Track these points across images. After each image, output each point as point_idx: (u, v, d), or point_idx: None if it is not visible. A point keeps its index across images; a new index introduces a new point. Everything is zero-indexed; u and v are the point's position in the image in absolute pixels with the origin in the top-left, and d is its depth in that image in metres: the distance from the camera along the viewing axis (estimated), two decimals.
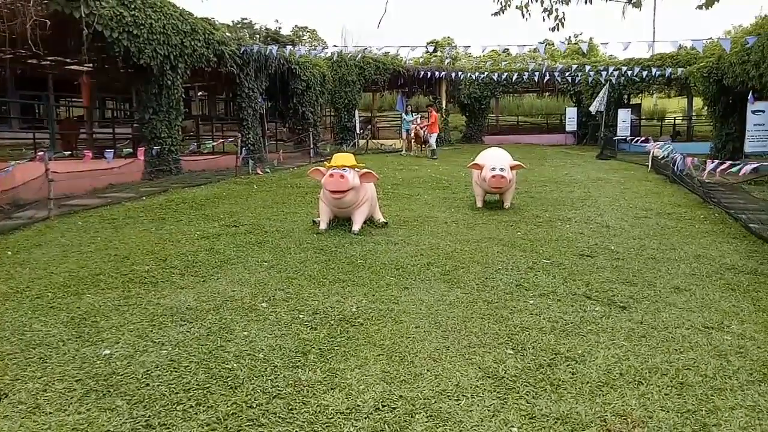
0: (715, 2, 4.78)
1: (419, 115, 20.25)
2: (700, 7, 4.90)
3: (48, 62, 14.75)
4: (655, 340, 3.48)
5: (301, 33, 52.73)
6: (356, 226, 6.40)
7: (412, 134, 18.43)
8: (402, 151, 18.81)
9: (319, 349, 3.34)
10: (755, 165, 7.30)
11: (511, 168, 7.83)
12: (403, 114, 19.42)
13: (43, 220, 7.16)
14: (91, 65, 14.61)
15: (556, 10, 5.46)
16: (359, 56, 21.05)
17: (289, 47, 18.99)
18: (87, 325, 3.72)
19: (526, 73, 23.17)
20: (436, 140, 17.92)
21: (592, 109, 19.81)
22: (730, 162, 7.82)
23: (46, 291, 4.39)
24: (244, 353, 3.28)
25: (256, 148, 15.23)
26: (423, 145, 18.47)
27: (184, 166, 12.62)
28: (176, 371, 3.07)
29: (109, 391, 2.86)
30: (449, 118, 26.35)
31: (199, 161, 13.14)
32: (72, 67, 15.44)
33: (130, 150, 10.89)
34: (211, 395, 2.82)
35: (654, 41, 18.35)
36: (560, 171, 13.52)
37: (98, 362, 3.18)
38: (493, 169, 7.65)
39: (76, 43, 10.13)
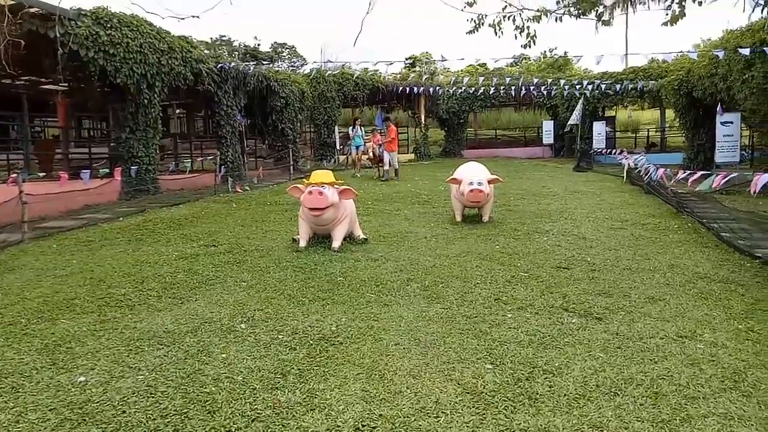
0: (680, 19, 4.95)
1: (381, 128, 17.25)
2: (665, 23, 5.07)
3: (23, 82, 14.57)
4: (631, 351, 3.54)
5: (280, 49, 52.92)
6: (336, 243, 6.40)
7: (369, 152, 15.84)
8: (357, 173, 16.38)
9: (299, 369, 3.33)
10: (725, 176, 7.48)
11: (489, 182, 7.91)
12: (350, 130, 17.27)
13: (17, 244, 7.03)
14: (66, 85, 14.48)
15: (528, 27, 5.60)
16: (338, 73, 21.19)
17: (267, 64, 19.07)
18: (61, 351, 3.66)
19: (503, 88, 23.52)
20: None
21: (570, 123, 20.15)
22: (701, 173, 8.02)
23: (20, 317, 4.31)
24: (223, 376, 3.25)
25: (235, 165, 15.17)
26: (379, 165, 15.52)
27: (163, 185, 12.51)
28: (153, 397, 3.03)
29: (84, 420, 2.81)
30: (428, 132, 26.56)
31: (177, 180, 13.05)
32: (47, 86, 15.27)
33: (107, 170, 10.77)
34: (188, 420, 2.79)
35: (627, 54, 18.86)
36: (538, 183, 13.70)
37: (73, 390, 3.12)
38: (471, 183, 7.73)
39: (51, 63, 10.06)
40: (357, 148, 17.00)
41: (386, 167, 15.03)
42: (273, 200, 11.17)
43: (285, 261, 5.89)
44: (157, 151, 12.53)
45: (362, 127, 17.49)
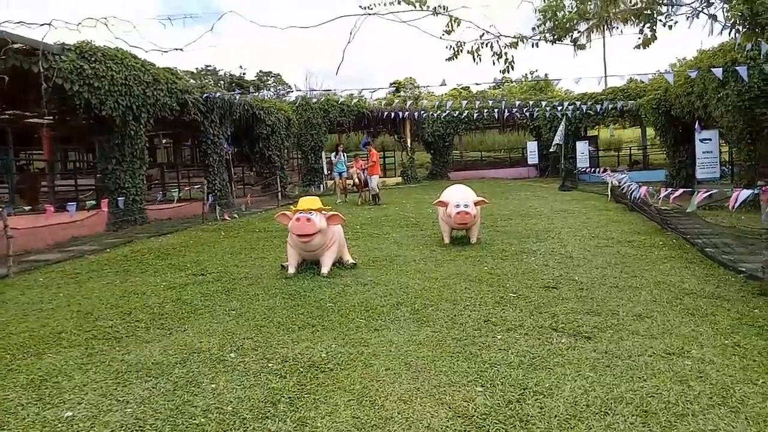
0: (651, 42, 5.10)
1: (366, 153, 16.77)
2: (637, 47, 5.21)
3: (7, 116, 14.53)
4: (620, 369, 3.56)
5: (265, 78, 53.35)
6: (325, 269, 6.39)
7: (354, 177, 15.52)
8: (337, 199, 16.21)
9: (289, 397, 3.30)
10: (706, 191, 7.62)
11: (475, 204, 7.97)
12: (332, 156, 16.91)
13: (2, 278, 6.94)
14: (51, 118, 14.46)
15: (505, 54, 5.73)
16: (323, 100, 21.41)
17: (253, 93, 19.22)
18: (48, 386, 3.60)
19: (487, 110, 23.85)
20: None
21: (554, 145, 20.42)
22: (683, 189, 8.15)
23: (5, 353, 4.24)
24: (212, 407, 3.22)
25: (223, 193, 15.17)
26: (364, 190, 15.54)
27: (150, 215, 12.45)
28: (142, 430, 2.98)
29: None
30: (415, 155, 26.79)
31: (164, 210, 13.00)
32: (32, 120, 15.24)
33: (94, 202, 10.72)
34: None
35: (605, 76, 19.25)
36: (524, 204, 13.81)
37: (60, 425, 3.07)
38: (458, 206, 7.78)
39: (35, 97, 10.05)
40: (340, 174, 16.66)
41: (375, 190, 15.04)
42: (261, 227, 11.15)
43: (274, 288, 5.87)
44: (144, 182, 12.51)
45: (345, 153, 17.22)
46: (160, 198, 13.35)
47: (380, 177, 16.25)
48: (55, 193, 13.66)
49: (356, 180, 15.50)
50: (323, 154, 21.98)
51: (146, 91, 11.79)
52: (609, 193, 14.28)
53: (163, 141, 25.57)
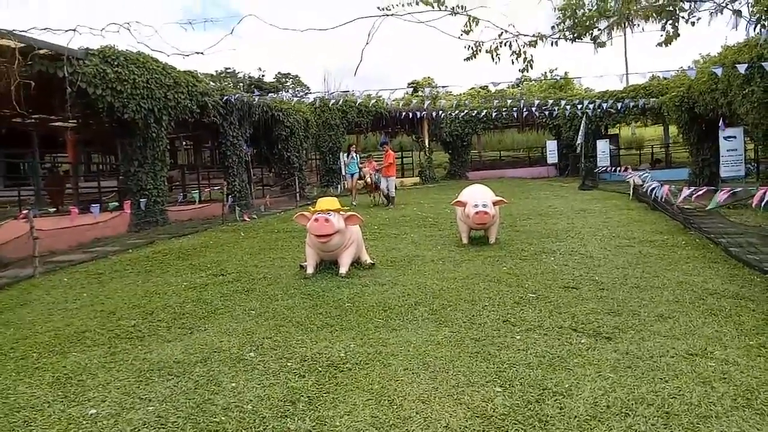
0: (674, 39, 5.02)
1: (369, 159, 16.66)
2: (660, 44, 5.14)
3: (33, 120, 14.87)
4: (641, 370, 3.52)
5: (284, 80, 53.76)
6: (343, 269, 6.43)
7: (367, 177, 15.02)
8: (353, 201, 15.61)
9: (308, 397, 3.33)
10: (730, 190, 7.48)
11: (494, 203, 7.94)
12: (343, 157, 16.73)
13: (28, 279, 7.11)
14: (75, 121, 14.76)
15: (524, 52, 5.69)
16: (341, 101, 21.47)
17: (271, 94, 19.37)
18: (72, 384, 3.68)
19: (505, 109, 23.69)
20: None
21: (578, 143, 20.18)
22: (706, 188, 8.02)
23: (31, 351, 4.35)
24: (232, 405, 3.26)
25: (242, 194, 15.31)
26: (376, 192, 15.17)
27: (171, 217, 12.63)
28: (164, 428, 3.03)
29: None
30: (433, 155, 26.74)
31: (185, 211, 13.18)
32: (57, 123, 15.57)
33: (117, 203, 10.91)
34: None
35: (627, 74, 18.98)
36: (544, 203, 13.70)
37: (84, 422, 3.14)
38: (476, 205, 7.76)
39: (60, 101, 10.27)
40: (352, 175, 16.28)
41: (389, 192, 14.42)
42: (280, 228, 11.24)
43: (293, 288, 5.92)
44: (165, 183, 12.70)
45: (357, 154, 16.77)
46: (180, 199, 13.56)
47: (397, 177, 16.09)
48: (78, 195, 13.93)
49: (368, 180, 15.01)
50: (341, 155, 22.03)
51: (167, 94, 11.97)
52: (630, 191, 14.09)
53: (184, 143, 25.95)
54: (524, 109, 22.84)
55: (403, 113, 23.58)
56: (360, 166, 16.10)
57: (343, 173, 20.77)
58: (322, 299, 5.44)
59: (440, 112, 25.69)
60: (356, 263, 6.92)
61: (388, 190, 14.55)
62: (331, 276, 6.38)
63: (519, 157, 32.75)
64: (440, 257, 7.43)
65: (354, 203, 15.40)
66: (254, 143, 18.82)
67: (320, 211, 6.33)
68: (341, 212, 6.51)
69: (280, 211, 14.77)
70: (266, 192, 18.43)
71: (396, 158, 16.88)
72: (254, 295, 5.72)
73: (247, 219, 12.78)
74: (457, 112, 25.04)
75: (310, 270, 6.50)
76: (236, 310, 5.22)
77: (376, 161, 16.23)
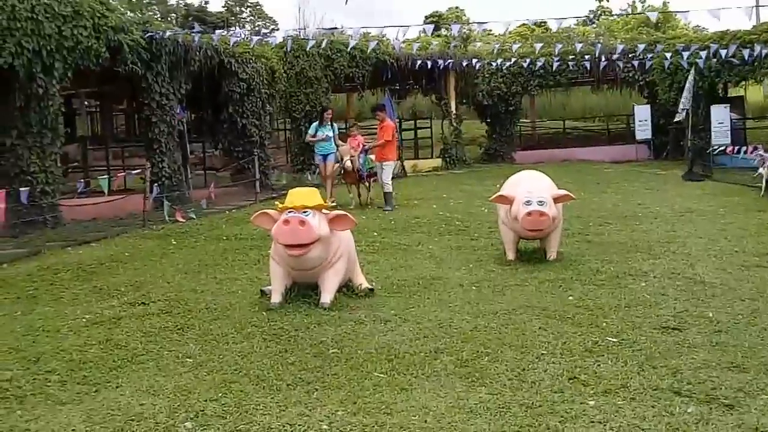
0: None
1: (353, 129, 15.87)
2: None
3: None
4: None
5: (238, 9, 53.90)
6: (326, 297, 6.42)
7: (347, 163, 14.03)
8: (327, 198, 13.28)
9: None
10: None
11: (555, 200, 7.95)
12: (312, 129, 15.31)
13: None
14: None
15: None
16: (324, 43, 21.47)
17: (220, 31, 19.40)
18: None
19: (573, 58, 23.67)
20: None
21: (680, 111, 20.12)
22: None
23: None
24: None
25: (173, 182, 15.33)
26: (360, 185, 14.70)
27: (67, 214, 12.65)
28: None
29: None
30: (462, 126, 26.76)
31: (88, 206, 13.18)
32: None
33: None
34: None
35: (757, 6, 18.90)
36: (629, 200, 13.70)
37: None
38: (529, 202, 7.76)
39: None
40: (325, 157, 15.03)
41: (387, 187, 13.86)
42: (231, 233, 11.25)
43: (250, 325, 5.92)
44: (58, 164, 12.70)
45: (334, 124, 15.56)
46: (81, 188, 13.54)
47: (407, 159, 15.78)
48: None
49: (347, 165, 13.98)
50: (313, 125, 21.72)
51: (62, 30, 11.96)
52: (763, 184, 14.07)
53: (86, 104, 25.99)
54: (601, 58, 22.82)
55: (419, 62, 23.58)
56: (338, 143, 14.93)
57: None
58: (294, 342, 5.43)
59: (474, 61, 25.67)
60: (346, 288, 6.91)
61: (383, 182, 13.85)
62: (308, 307, 6.37)
63: (593, 130, 32.77)
64: (473, 280, 7.42)
65: (330, 201, 13.73)
66: (192, 105, 18.82)
67: (293, 208, 6.33)
68: (324, 211, 6.50)
69: (232, 208, 14.79)
70: (210, 179, 18.45)
71: (396, 132, 15.71)
72: (192, 335, 5.72)
73: (182, 219, 12.80)
74: (499, 61, 25.03)
75: (276, 298, 6.49)
76: (164, 357, 5.22)
77: (364, 135, 15.81)
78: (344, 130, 18.52)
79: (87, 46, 12.60)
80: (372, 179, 14.62)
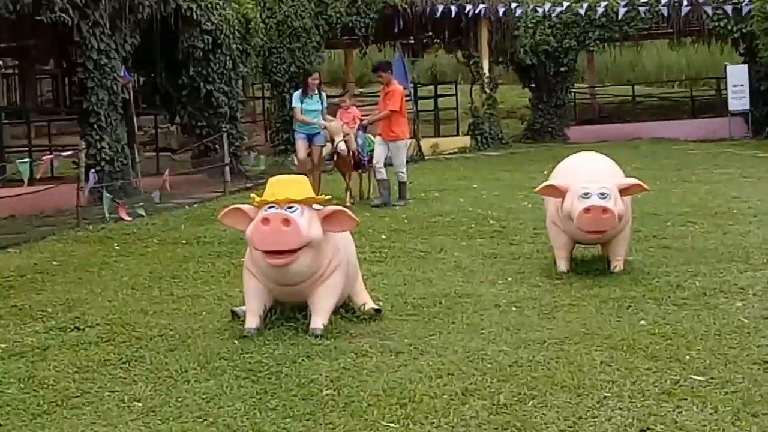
0: None
1: (345, 98, 16.11)
2: None
3: None
4: None
5: None
6: (318, 321, 6.40)
7: (339, 145, 13.89)
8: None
9: None
10: None
11: (622, 192, 7.90)
12: (295, 99, 15.02)
13: None
14: None
15: None
16: None
17: None
18: None
19: (645, 2, 23.59)
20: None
21: None
22: None
23: None
24: None
25: (116, 168, 15.35)
26: (358, 173, 14.85)
27: None
28: None
29: None
30: (497, 94, 26.73)
31: (3, 199, 13.21)
32: None
33: None
34: None
35: None
36: (721, 193, 13.67)
37: None
38: (587, 195, 7.72)
39: None
40: (310, 138, 14.84)
41: (398, 175, 13.79)
42: (192, 236, 11.27)
43: (218, 357, 5.91)
44: None
45: (323, 93, 15.39)
46: None
47: (419, 138, 15.43)
48: None
49: (341, 149, 13.89)
50: (295, 95, 21.56)
51: None
52: None
53: (0, 64, 26.02)
54: (682, 1, 22.76)
55: (440, 8, 23.58)
56: (327, 118, 14.81)
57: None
58: (276, 381, 5.42)
59: (514, 6, 25.66)
60: (345, 309, 6.90)
61: (396, 169, 13.79)
62: (294, 334, 6.36)
63: (671, 98, 32.68)
64: (512, 299, 7.41)
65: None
66: (141, 66, 18.82)
67: (274, 203, 6.32)
68: (316, 206, 6.49)
69: (193, 202, 14.82)
70: (165, 164, 18.49)
71: (405, 99, 15.14)
72: (141, 371, 5.70)
73: (127, 217, 12.81)
74: (548, 6, 25.00)
75: (252, 322, 6.48)
76: (105, 400, 5.21)
77: (362, 107, 16.05)
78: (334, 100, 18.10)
79: None
80: (361, 168, 14.41)
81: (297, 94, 15.15)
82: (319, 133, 14.72)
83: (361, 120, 14.37)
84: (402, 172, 13.88)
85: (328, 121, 14.44)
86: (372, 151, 14.14)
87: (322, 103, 14.87)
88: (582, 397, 5.03)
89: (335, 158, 14.42)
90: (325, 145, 14.63)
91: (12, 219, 13.02)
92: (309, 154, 14.85)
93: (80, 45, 14.95)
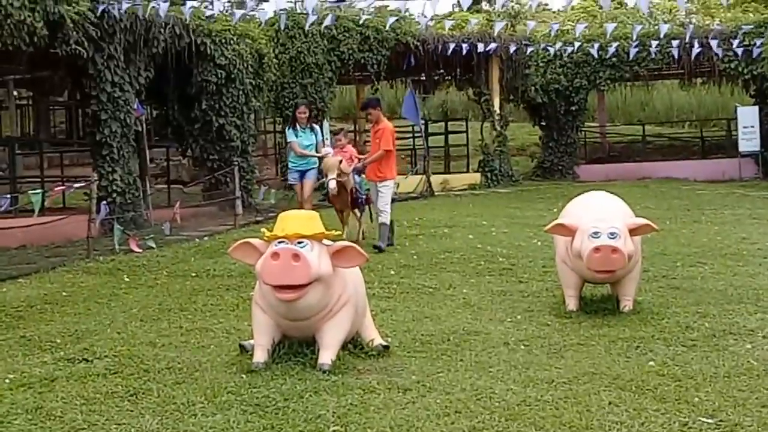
0: None
1: (340, 133, 14.91)
2: None
3: None
4: None
5: None
6: (326, 356, 6.39)
7: (330, 184, 13.00)
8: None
9: None
10: None
11: (632, 232, 7.90)
12: (288, 133, 14.72)
13: None
14: None
15: None
16: (329, 19, 21.61)
17: (192, 3, 19.54)
18: None
19: (656, 42, 23.67)
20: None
21: None
22: None
23: None
24: None
25: (127, 200, 15.39)
26: (354, 211, 13.99)
27: None
28: None
29: None
30: (508, 131, 26.79)
31: (14, 228, 13.25)
32: None
33: None
34: None
35: None
36: (731, 233, 13.65)
37: None
38: (597, 234, 7.72)
39: None
40: (303, 174, 14.50)
41: (381, 215, 13.13)
42: (202, 269, 11.29)
43: (226, 391, 5.90)
44: None
45: (316, 126, 15.08)
46: (5, 205, 13.63)
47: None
48: None
49: (332, 188, 13.04)
50: (326, 124, 21.95)
51: None
52: None
53: (15, 95, 26.18)
54: (693, 44, 22.82)
55: (452, 46, 23.69)
56: (322, 151, 14.33)
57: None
58: (283, 416, 5.41)
59: (525, 45, 25.78)
60: (353, 344, 6.90)
61: (379, 209, 13.22)
62: (302, 369, 6.35)
63: (681, 138, 32.71)
64: (521, 337, 7.40)
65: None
66: (154, 99, 18.93)
67: (284, 237, 6.33)
68: (326, 242, 6.51)
69: (203, 235, 14.83)
70: (176, 196, 18.53)
71: (396, 136, 14.05)
72: (148, 404, 5.70)
73: (137, 249, 12.82)
74: (558, 46, 25.11)
75: (260, 356, 6.47)
76: None
77: (351, 143, 15.18)
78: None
79: (18, 20, 12.71)
80: (370, 203, 13.81)
81: (287, 129, 14.96)
82: (312, 169, 14.43)
83: (358, 159, 13.64)
84: (385, 213, 13.04)
85: (325, 155, 13.76)
86: (369, 189, 13.65)
87: (316, 136, 14.52)
88: None
89: (328, 197, 13.65)
90: (316, 181, 14.37)
91: (23, 249, 13.05)
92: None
93: (94, 77, 15.05)
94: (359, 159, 13.66)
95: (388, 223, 13.05)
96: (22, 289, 10.05)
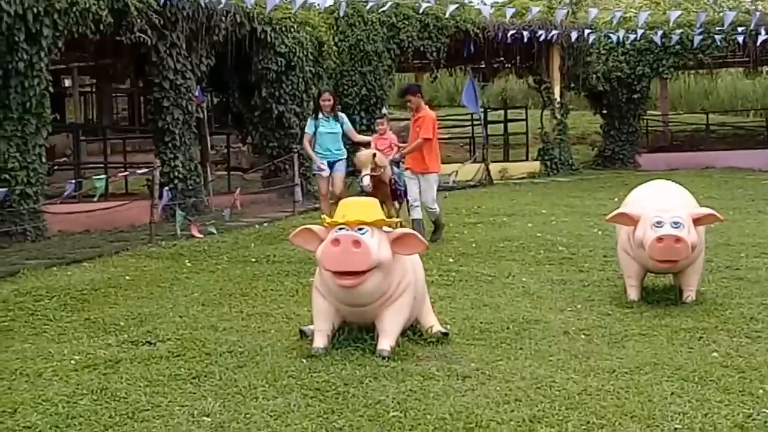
0: None
1: (380, 122, 14.67)
2: None
3: None
4: None
5: None
6: (386, 342, 6.41)
7: (363, 179, 12.55)
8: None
9: None
10: None
11: (695, 221, 7.81)
12: (309, 125, 13.89)
13: None
14: None
15: None
16: (389, 6, 21.59)
17: None
18: None
19: (720, 30, 23.31)
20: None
21: None
22: None
23: None
24: None
25: (189, 186, 15.51)
26: (393, 204, 13.36)
27: (52, 224, 12.87)
28: None
29: None
30: (568, 119, 26.58)
31: (79, 213, 13.39)
32: None
33: None
34: None
35: None
36: None
37: None
38: (660, 224, 7.65)
39: None
40: (332, 165, 13.79)
41: (430, 209, 12.43)
42: (262, 254, 11.39)
43: (287, 375, 5.94)
44: (44, 159, 12.94)
45: (341, 114, 14.37)
46: (70, 191, 13.78)
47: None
48: None
49: (365, 185, 12.48)
50: (385, 110, 21.84)
51: None
52: None
53: (78, 83, 26.49)
54: (758, 30, 22.45)
55: (512, 33, 23.53)
56: (359, 140, 14.17)
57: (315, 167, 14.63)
58: (343, 401, 5.42)
59: (587, 33, 25.51)
60: (412, 331, 6.90)
61: (426, 204, 12.42)
62: (361, 355, 6.38)
63: (746, 127, 32.18)
64: (581, 326, 7.36)
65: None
66: (215, 87, 19.05)
67: (344, 224, 6.35)
68: (386, 228, 6.52)
69: (263, 221, 14.92)
70: (236, 183, 18.65)
71: (437, 125, 13.09)
72: (210, 387, 5.76)
73: (199, 234, 12.94)
74: (621, 33, 24.82)
75: (320, 342, 6.51)
76: (175, 414, 5.25)
77: (395, 133, 14.64)
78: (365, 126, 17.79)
79: (84, 8, 12.84)
80: (398, 199, 13.37)
81: (310, 119, 14.24)
82: (340, 159, 13.81)
83: (398, 147, 13.22)
84: (433, 208, 12.53)
85: (360, 150, 13.35)
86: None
87: (343, 125, 13.90)
88: (652, 428, 4.96)
89: (361, 190, 12.81)
90: (348, 176, 13.85)
91: (87, 234, 13.21)
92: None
93: (157, 65, 15.20)
94: (398, 147, 13.26)
95: (438, 214, 12.57)
96: (87, 273, 10.19)
